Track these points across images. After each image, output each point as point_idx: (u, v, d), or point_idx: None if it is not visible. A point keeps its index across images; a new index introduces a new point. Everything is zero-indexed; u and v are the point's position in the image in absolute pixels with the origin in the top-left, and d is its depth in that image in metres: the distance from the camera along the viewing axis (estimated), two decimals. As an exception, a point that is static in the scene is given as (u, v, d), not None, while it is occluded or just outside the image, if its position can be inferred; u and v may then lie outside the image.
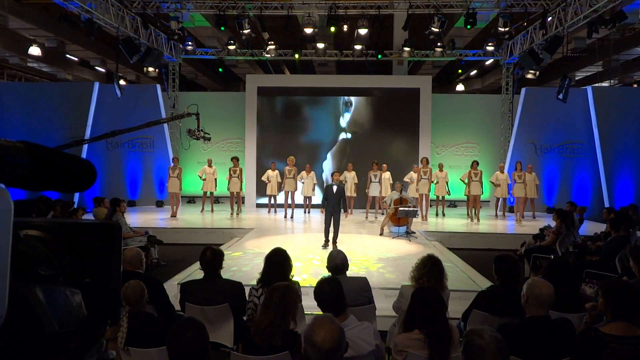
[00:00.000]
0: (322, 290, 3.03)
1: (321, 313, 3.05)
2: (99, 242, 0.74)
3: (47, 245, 0.66)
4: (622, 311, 2.72)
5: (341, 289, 3.05)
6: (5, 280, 0.52)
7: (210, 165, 13.42)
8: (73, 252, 0.71)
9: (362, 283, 4.10)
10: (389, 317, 4.38)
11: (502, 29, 12.38)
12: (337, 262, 4.01)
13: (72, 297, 0.64)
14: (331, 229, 8.55)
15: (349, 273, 4.14)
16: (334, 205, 8.45)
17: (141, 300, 3.21)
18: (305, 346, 2.10)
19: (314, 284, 3.16)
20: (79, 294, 0.65)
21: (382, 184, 12.77)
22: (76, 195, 13.59)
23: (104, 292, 0.72)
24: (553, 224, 8.23)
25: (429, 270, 3.67)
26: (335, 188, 8.45)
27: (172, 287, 5.60)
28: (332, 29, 12.64)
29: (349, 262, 4.13)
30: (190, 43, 14.93)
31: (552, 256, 7.13)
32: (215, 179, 13.37)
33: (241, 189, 13.37)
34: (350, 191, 13.25)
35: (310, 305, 3.66)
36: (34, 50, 15.29)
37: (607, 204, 13.13)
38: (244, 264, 7.54)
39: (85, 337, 0.67)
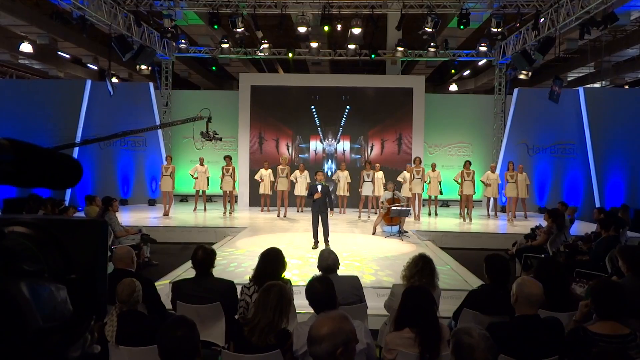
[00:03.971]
0: (314, 288, 3.04)
1: (312, 311, 3.07)
2: (85, 238, 0.74)
3: (32, 242, 0.67)
4: (610, 310, 2.75)
5: (332, 287, 3.06)
6: None
7: (202, 164, 13.40)
8: (59, 248, 0.72)
9: (353, 282, 4.11)
10: (381, 316, 4.39)
11: (495, 30, 12.43)
12: (329, 262, 4.02)
13: (57, 293, 0.64)
14: (320, 229, 8.55)
15: (340, 272, 4.15)
16: (320, 205, 8.45)
17: (130, 298, 3.20)
18: None
19: (306, 283, 3.16)
20: (64, 289, 0.66)
21: (374, 184, 12.80)
22: (67, 194, 13.52)
23: (90, 288, 0.72)
24: (544, 223, 8.29)
25: (420, 270, 3.69)
26: (319, 187, 8.45)
27: (164, 286, 5.58)
28: (326, 28, 12.64)
29: (340, 262, 4.14)
30: (183, 41, 14.87)
31: (543, 256, 7.19)
32: (208, 178, 13.34)
33: (234, 187, 13.35)
34: (343, 190, 13.29)
35: (302, 304, 3.67)
36: (26, 47, 15.18)
37: (598, 204, 13.23)
38: (236, 262, 7.53)
39: (70, 332, 0.67)
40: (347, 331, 2.01)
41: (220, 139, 12.83)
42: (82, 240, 0.74)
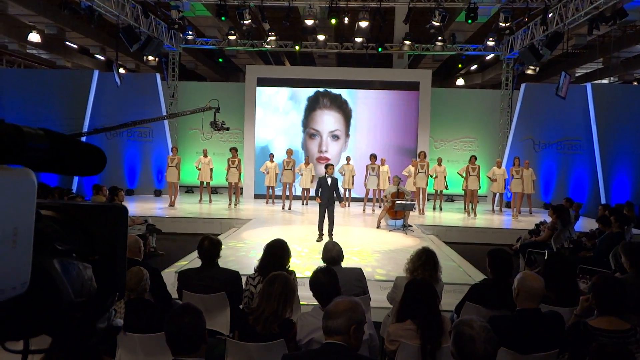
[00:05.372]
0: (318, 280, 3.08)
1: (316, 303, 3.11)
2: (107, 223, 0.80)
3: (60, 224, 0.73)
4: (611, 306, 2.78)
5: (336, 278, 3.10)
6: (30, 252, 0.59)
7: (205, 156, 13.46)
8: (83, 231, 0.77)
9: (357, 273, 4.15)
10: (384, 309, 4.43)
11: (503, 24, 12.37)
12: (333, 254, 4.06)
13: (84, 271, 0.70)
14: (326, 221, 8.60)
15: (344, 264, 4.19)
16: (329, 198, 8.50)
17: (138, 286, 3.26)
18: None
19: (310, 275, 3.21)
20: (90, 268, 0.72)
21: (380, 177, 12.82)
22: (74, 183, 13.66)
23: (111, 268, 0.79)
24: (549, 219, 8.29)
25: (423, 263, 3.72)
26: (329, 180, 8.49)
27: (170, 276, 5.65)
28: (333, 21, 12.61)
29: (344, 254, 4.18)
30: (190, 32, 14.89)
31: (547, 251, 7.20)
32: (211, 169, 13.42)
33: (240, 179, 13.42)
34: (348, 184, 13.32)
35: (305, 296, 3.71)
36: (34, 37, 15.25)
37: (603, 201, 13.20)
38: (241, 253, 7.59)
39: (97, 307, 0.74)
40: (361, 313, 2.24)
41: (228, 129, 13.21)
42: (104, 224, 0.79)
